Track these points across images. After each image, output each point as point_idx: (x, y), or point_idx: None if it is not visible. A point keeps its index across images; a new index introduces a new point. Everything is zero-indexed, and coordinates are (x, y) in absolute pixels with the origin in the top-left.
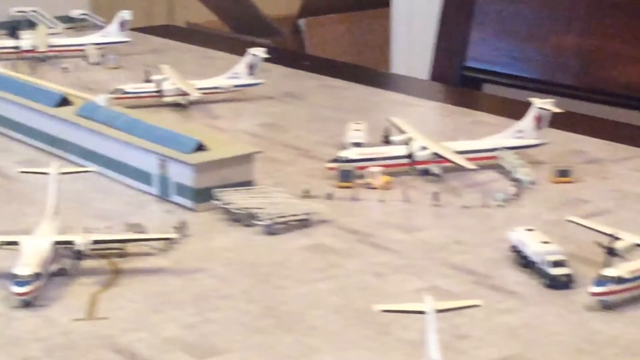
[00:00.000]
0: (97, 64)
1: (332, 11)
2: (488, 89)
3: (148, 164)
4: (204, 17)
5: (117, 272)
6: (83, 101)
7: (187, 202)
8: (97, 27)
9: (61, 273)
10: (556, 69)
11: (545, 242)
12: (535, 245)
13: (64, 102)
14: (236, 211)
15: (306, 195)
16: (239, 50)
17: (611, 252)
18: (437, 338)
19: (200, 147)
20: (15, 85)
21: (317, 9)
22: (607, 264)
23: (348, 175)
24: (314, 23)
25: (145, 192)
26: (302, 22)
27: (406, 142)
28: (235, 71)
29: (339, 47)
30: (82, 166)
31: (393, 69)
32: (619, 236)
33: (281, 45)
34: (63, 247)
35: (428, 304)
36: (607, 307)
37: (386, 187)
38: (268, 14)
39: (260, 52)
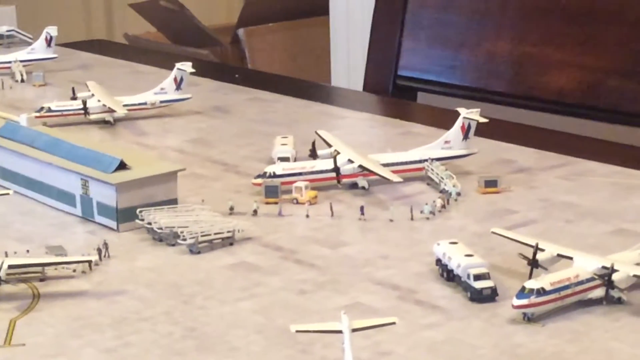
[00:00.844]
0: (23, 81)
1: (271, 20)
2: (422, 97)
3: (70, 184)
4: (144, 28)
5: (37, 297)
6: (3, 121)
7: (110, 223)
8: (26, 44)
9: None
10: (489, 76)
11: (469, 255)
12: (459, 258)
13: None
14: (159, 230)
15: (231, 212)
16: (172, 64)
17: (534, 263)
18: (353, 356)
19: (122, 166)
20: None
21: (256, 19)
22: (529, 277)
23: (274, 190)
24: (253, 32)
25: (68, 214)
26: (240, 31)
27: (333, 156)
28: (163, 86)
29: (279, 56)
30: (2, 188)
31: (333, 79)
32: (542, 247)
33: (222, 56)
34: None
35: (344, 322)
36: (530, 319)
37: (312, 202)
38: (207, 24)
39: (187, 66)
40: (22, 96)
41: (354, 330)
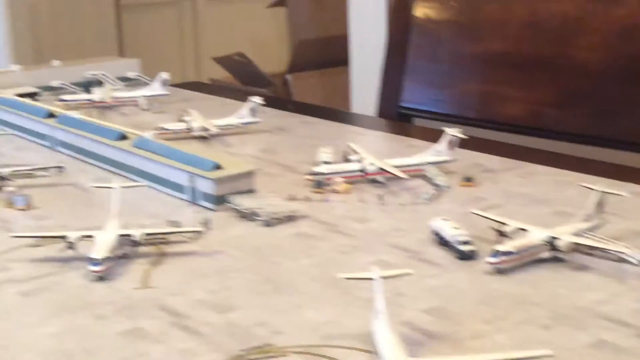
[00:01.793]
0: (146, 110)
1: (311, 69)
2: (417, 122)
3: (182, 179)
4: (222, 74)
5: (162, 255)
6: (136, 136)
7: (210, 205)
8: (146, 84)
9: (124, 257)
10: (464, 107)
11: (456, 228)
12: (449, 230)
13: (123, 137)
14: (243, 211)
15: (292, 198)
16: (245, 98)
17: (501, 234)
18: (382, 296)
19: (217, 167)
20: (88, 125)
21: (300, 68)
22: (498, 242)
23: (320, 184)
24: (298, 77)
25: (180, 199)
26: (289, 77)
27: (360, 160)
28: (241, 113)
29: (316, 93)
30: (137, 182)
31: (352, 109)
32: (507, 223)
33: (274, 93)
34: (125, 238)
35: (375, 272)
36: (500, 272)
37: (347, 192)
38: (265, 71)
39: (258, 99)
40: (145, 120)
41: (383, 278)
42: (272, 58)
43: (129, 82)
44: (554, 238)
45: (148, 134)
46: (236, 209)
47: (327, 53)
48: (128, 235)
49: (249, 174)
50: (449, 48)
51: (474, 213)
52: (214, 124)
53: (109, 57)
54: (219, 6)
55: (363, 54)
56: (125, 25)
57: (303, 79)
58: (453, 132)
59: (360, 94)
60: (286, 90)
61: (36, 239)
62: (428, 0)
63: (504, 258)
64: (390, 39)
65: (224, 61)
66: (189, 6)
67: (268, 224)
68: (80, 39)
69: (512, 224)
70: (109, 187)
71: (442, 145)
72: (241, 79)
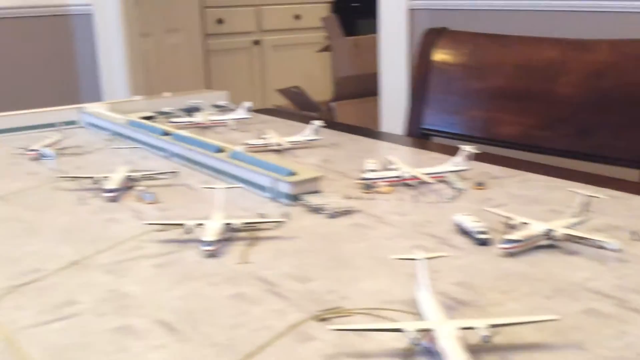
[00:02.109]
0: (234, 130)
1: (350, 98)
2: (435, 139)
3: (266, 182)
4: (282, 102)
5: (255, 239)
6: (230, 149)
7: (287, 202)
8: (232, 110)
9: (227, 240)
10: (471, 129)
11: (475, 221)
12: (469, 222)
13: (220, 150)
14: (312, 206)
15: (347, 197)
16: (302, 120)
17: (509, 226)
18: (425, 272)
19: (292, 173)
20: (194, 141)
21: (341, 97)
22: (507, 233)
23: (368, 186)
24: (340, 105)
25: (264, 197)
26: (333, 104)
27: (397, 169)
28: (306, 132)
29: (353, 118)
30: (233, 184)
31: (382, 130)
32: (513, 217)
33: (321, 117)
34: (227, 226)
35: (419, 254)
36: (510, 255)
37: (388, 193)
38: (315, 100)
39: (319, 122)
40: (233, 137)
41: (425, 258)
42: (319, 90)
43: (220, 108)
44: (551, 230)
45: (239, 148)
46: (307, 205)
47: (362, 86)
48: (229, 223)
49: (316, 179)
50: (459, 84)
51: (486, 210)
52: (286, 140)
53: (203, 90)
54: (280, 52)
55: (390, 88)
56: (211, 66)
57: (344, 106)
58: (468, 148)
59: (387, 118)
60: (330, 114)
61: (162, 225)
62: (444, 48)
63: (512, 245)
64: (415, 77)
65: (284, 92)
66: (258, 51)
67: (331, 216)
68: (178, 76)
69: (517, 219)
70: (214, 188)
71: (459, 158)
72: (297, 105)
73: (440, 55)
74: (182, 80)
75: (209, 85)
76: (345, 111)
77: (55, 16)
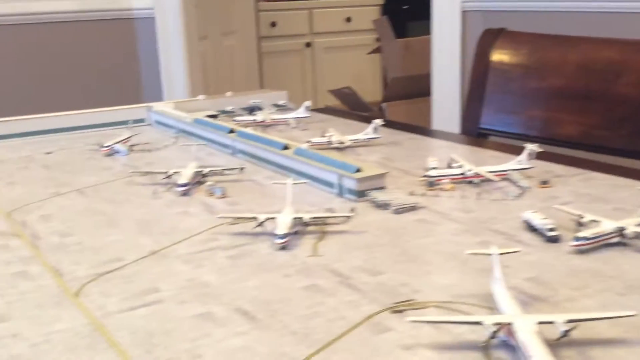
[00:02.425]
0: (295, 128)
1: (400, 99)
2: (492, 139)
3: (332, 178)
4: (333, 102)
5: (324, 233)
6: (295, 147)
7: (353, 198)
8: (292, 109)
9: (297, 233)
10: (528, 128)
11: (543, 218)
12: (538, 220)
13: (286, 147)
14: (378, 202)
15: (412, 193)
16: (361, 120)
17: (579, 224)
18: (499, 267)
19: (358, 170)
20: (260, 138)
21: (392, 98)
22: (578, 230)
23: (432, 183)
24: (390, 105)
25: (330, 193)
26: (384, 105)
27: (460, 166)
28: (366, 131)
29: (403, 118)
30: (300, 180)
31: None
32: (583, 215)
33: (372, 117)
34: (297, 220)
35: (493, 249)
36: (581, 252)
37: (452, 190)
38: (367, 100)
39: (379, 121)
40: (294, 135)
41: (499, 254)
42: (369, 91)
43: (279, 108)
44: (622, 228)
45: (303, 146)
46: (373, 201)
47: (412, 87)
48: (300, 217)
49: (382, 175)
50: (518, 84)
51: (556, 208)
52: (348, 138)
53: (263, 90)
54: (331, 54)
55: (442, 89)
56: (264, 68)
57: (394, 106)
58: (532, 147)
59: (439, 118)
60: (381, 115)
61: (234, 218)
62: (503, 49)
63: (583, 242)
64: (473, 77)
65: (336, 93)
66: (309, 54)
67: (397, 212)
68: (233, 77)
69: (587, 216)
70: (284, 183)
71: (523, 156)
72: (348, 106)
73: (498, 56)
74: (237, 81)
75: (262, 86)
76: (395, 112)
77: (120, 20)
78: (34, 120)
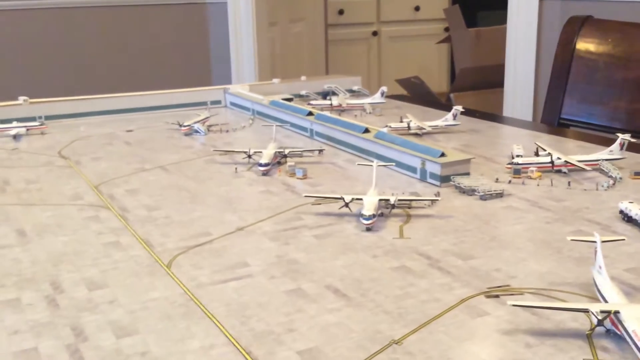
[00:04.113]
0: (370, 113)
1: (470, 89)
2: (574, 130)
3: (415, 162)
4: (397, 91)
5: (409, 216)
6: (376, 130)
7: (436, 182)
8: (365, 95)
9: (382, 215)
10: (612, 120)
11: None
12: (635, 209)
13: (366, 130)
14: (463, 187)
15: (497, 181)
16: (435, 107)
17: None
18: (602, 254)
19: (442, 154)
20: (340, 122)
21: (462, 88)
22: None
23: (518, 171)
24: (458, 96)
25: (411, 177)
26: (452, 95)
27: (549, 155)
28: (446, 117)
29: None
30: (386, 163)
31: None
32: None
33: (448, 106)
34: (382, 202)
35: (597, 237)
36: None
37: (539, 178)
38: (434, 91)
39: (459, 108)
40: (370, 120)
41: (603, 241)
42: (435, 81)
43: (354, 93)
44: None
45: (384, 129)
46: (457, 186)
47: (482, 78)
48: (387, 199)
49: (467, 161)
50: (604, 74)
51: None
52: (427, 124)
53: (338, 75)
54: (397, 43)
55: (515, 79)
56: (330, 55)
57: (462, 97)
58: (624, 137)
59: (512, 108)
60: (450, 106)
61: (320, 198)
62: (589, 37)
63: None
64: (555, 66)
65: (403, 82)
66: (375, 42)
67: (483, 198)
68: (300, 62)
69: None
70: (369, 165)
71: (615, 146)
72: (415, 96)
73: (583, 44)
74: (304, 67)
75: (327, 72)
76: (464, 102)
77: (194, 4)
78: (114, 99)
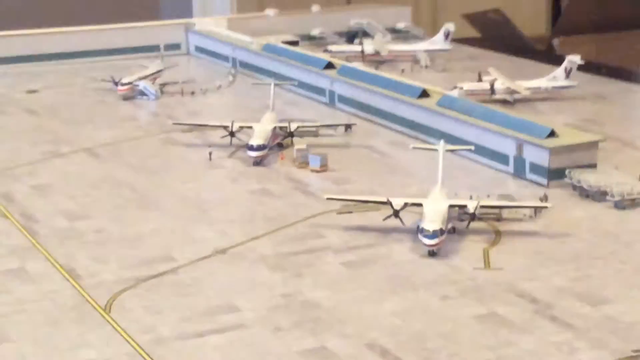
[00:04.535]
0: (427, 67)
1: (583, 32)
2: None
3: (505, 146)
4: (465, 34)
5: (498, 232)
6: (440, 94)
7: (541, 180)
8: (416, 37)
9: (452, 231)
10: None
11: None
12: None
13: (424, 94)
14: (588, 188)
15: None
16: (528, 57)
17: None
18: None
19: (552, 134)
20: (380, 80)
21: (568, 31)
22: None
23: None
24: (565, 42)
25: (498, 170)
26: (555, 41)
27: None
28: (554, 75)
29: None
30: (461, 146)
31: None
32: None
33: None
34: (453, 210)
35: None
36: None
37: None
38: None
39: (576, 58)
40: (427, 79)
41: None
42: (527, 19)
43: (398, 34)
44: None
45: (455, 92)
46: (578, 186)
47: (599, 15)
48: (462, 206)
49: (592, 145)
50: None
51: None
52: (524, 86)
53: (375, 3)
54: None
55: None
56: None
57: (572, 43)
58: None
59: None
60: (548, 58)
61: (349, 203)
62: None
63: None
64: None
65: (475, 18)
66: None
67: (620, 205)
68: None
69: None
70: (433, 150)
71: None
72: (492, 39)
73: None
74: None
75: (348, 2)
76: (573, 51)
77: None
78: (10, 39)
